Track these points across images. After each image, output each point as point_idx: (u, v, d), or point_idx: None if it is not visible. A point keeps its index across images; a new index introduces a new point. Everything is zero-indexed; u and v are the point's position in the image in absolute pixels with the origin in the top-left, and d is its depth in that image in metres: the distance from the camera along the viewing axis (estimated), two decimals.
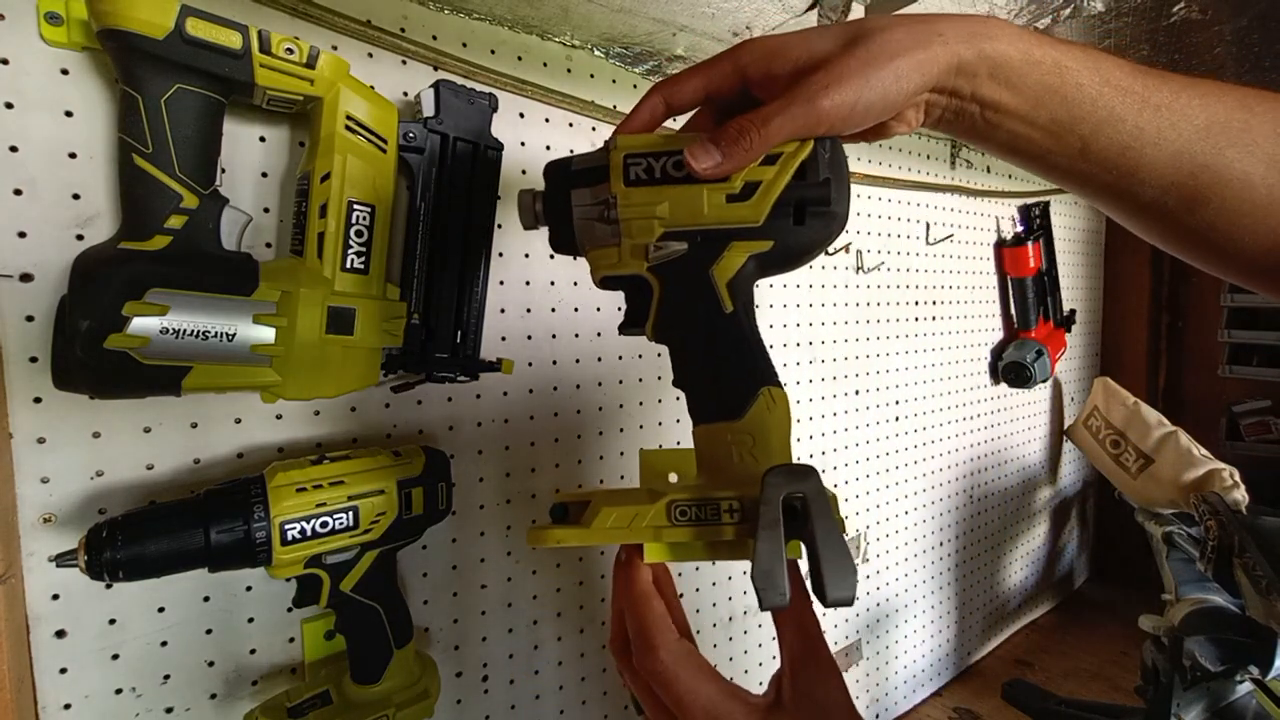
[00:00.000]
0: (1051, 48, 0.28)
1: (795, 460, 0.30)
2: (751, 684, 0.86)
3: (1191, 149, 0.27)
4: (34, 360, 0.42)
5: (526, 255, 0.63)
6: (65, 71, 0.42)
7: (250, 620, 0.51)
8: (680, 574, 0.77)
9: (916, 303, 1.05)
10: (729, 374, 0.34)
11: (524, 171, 0.62)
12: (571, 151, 0.65)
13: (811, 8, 0.57)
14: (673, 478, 0.41)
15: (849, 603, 0.26)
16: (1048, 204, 1.21)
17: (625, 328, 0.37)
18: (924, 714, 1.09)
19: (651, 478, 0.41)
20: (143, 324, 0.38)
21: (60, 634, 0.44)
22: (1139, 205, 0.29)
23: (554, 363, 0.66)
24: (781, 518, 0.27)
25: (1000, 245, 1.20)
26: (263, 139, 0.49)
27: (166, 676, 0.48)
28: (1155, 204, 0.29)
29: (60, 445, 0.43)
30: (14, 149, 0.41)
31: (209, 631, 0.49)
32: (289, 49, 0.42)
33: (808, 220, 0.33)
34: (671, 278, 0.34)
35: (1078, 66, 0.27)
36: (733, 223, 0.33)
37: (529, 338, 0.64)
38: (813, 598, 0.28)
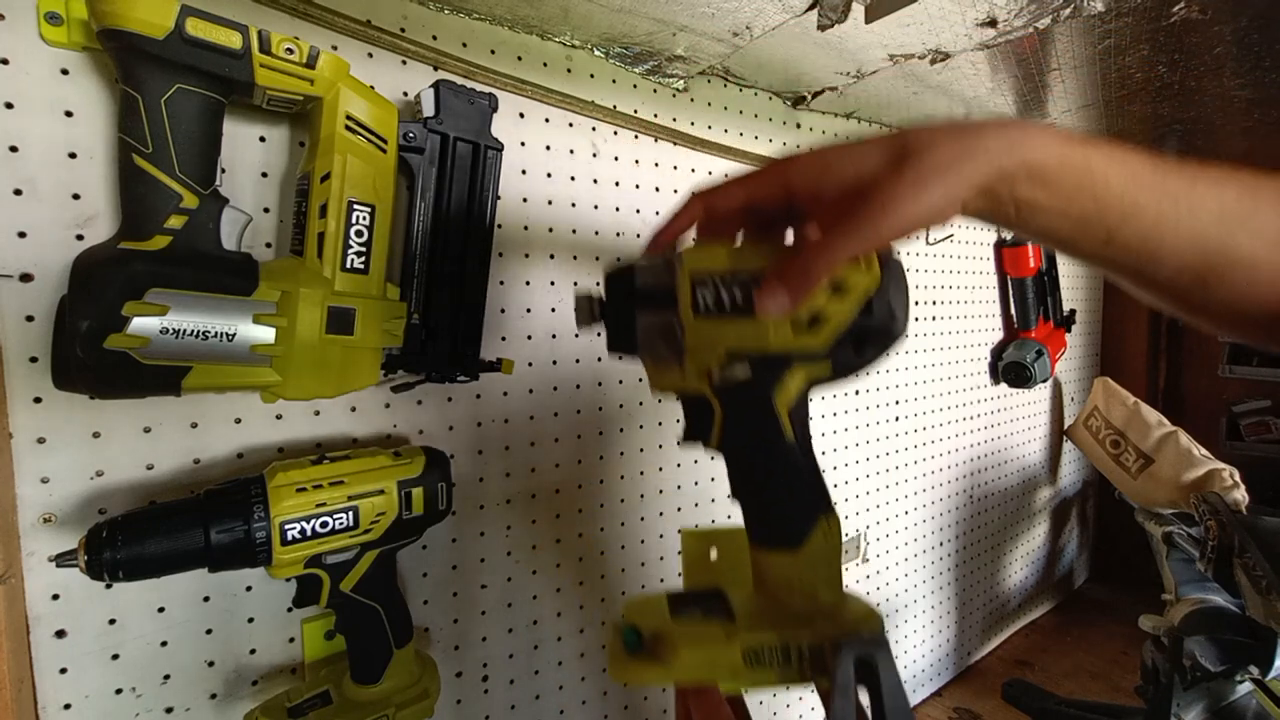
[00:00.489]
0: (1081, 147, 0.29)
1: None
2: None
3: (1206, 234, 0.29)
4: (34, 360, 0.42)
5: (526, 255, 0.63)
6: (65, 71, 0.42)
7: (250, 620, 0.51)
8: (680, 574, 0.77)
9: (916, 303, 1.05)
10: (789, 503, 0.35)
11: (524, 171, 0.63)
12: (572, 152, 0.65)
13: (811, 8, 0.57)
14: (713, 554, 0.42)
15: None
16: None
17: (686, 440, 0.37)
18: (924, 714, 1.09)
19: (694, 559, 0.42)
20: (143, 324, 0.38)
21: (60, 634, 0.44)
22: (1155, 283, 0.31)
23: (554, 363, 0.66)
24: (854, 678, 0.29)
25: (1000, 245, 1.20)
26: (263, 139, 0.49)
27: (166, 676, 0.48)
28: (1171, 282, 0.31)
29: (60, 445, 0.43)
30: (14, 149, 0.41)
31: (209, 631, 0.49)
32: (289, 49, 0.42)
33: (867, 347, 0.34)
34: (734, 401, 0.35)
35: (1104, 164, 0.29)
36: (796, 350, 0.34)
37: (529, 338, 0.64)
38: None
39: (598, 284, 0.65)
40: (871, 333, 0.33)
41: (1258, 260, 0.28)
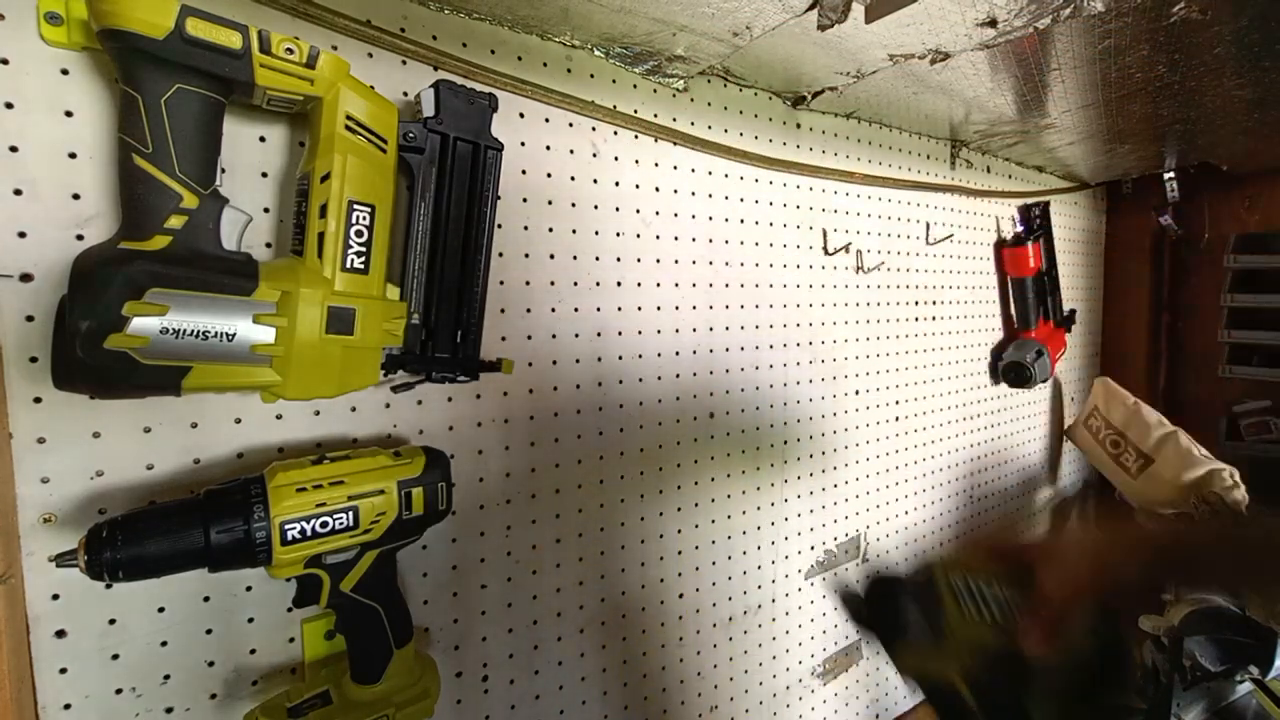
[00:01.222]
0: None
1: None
2: (751, 683, 0.86)
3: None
4: (34, 360, 0.42)
5: (526, 255, 0.63)
6: (65, 71, 0.42)
7: (250, 620, 0.51)
8: (680, 574, 0.77)
9: (916, 303, 1.05)
10: None
11: (524, 171, 0.63)
12: (572, 152, 0.65)
13: (811, 8, 0.57)
14: None
15: None
16: (1048, 204, 1.20)
17: None
18: (924, 714, 1.09)
19: None
20: (143, 324, 0.38)
21: (60, 634, 0.44)
22: None
23: (554, 363, 0.66)
24: None
25: (1000, 245, 1.20)
26: (263, 139, 0.49)
27: (166, 676, 0.48)
28: None
29: (60, 445, 0.43)
30: (14, 149, 0.41)
31: (209, 631, 0.49)
32: (289, 49, 0.42)
33: None
34: (985, 696, 0.41)
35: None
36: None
37: (529, 338, 0.64)
38: None
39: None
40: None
41: None
